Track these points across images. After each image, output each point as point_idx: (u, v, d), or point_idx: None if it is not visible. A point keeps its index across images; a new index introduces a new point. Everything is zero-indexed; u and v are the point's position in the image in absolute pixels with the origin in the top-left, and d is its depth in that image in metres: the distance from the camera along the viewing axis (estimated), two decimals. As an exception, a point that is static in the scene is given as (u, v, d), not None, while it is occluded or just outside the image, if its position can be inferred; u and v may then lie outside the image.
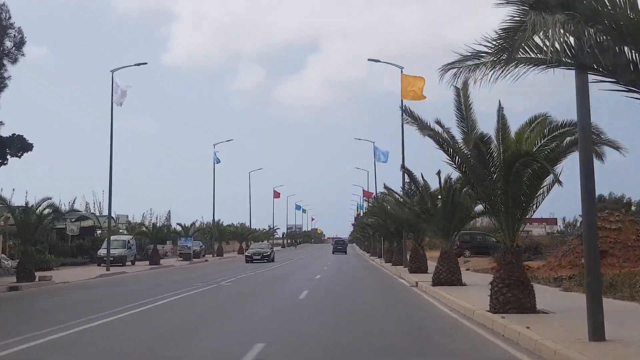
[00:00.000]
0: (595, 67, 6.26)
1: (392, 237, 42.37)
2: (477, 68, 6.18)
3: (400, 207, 29.24)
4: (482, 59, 6.17)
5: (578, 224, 47.44)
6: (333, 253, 79.80)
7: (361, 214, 78.08)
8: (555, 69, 6.33)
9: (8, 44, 24.59)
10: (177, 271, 37.04)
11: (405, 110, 13.33)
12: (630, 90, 6.26)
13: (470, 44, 6.14)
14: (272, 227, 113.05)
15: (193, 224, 57.56)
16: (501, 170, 12.25)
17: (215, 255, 65.30)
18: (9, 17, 24.43)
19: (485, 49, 6.16)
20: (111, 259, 38.39)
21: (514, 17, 6.00)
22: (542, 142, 12.51)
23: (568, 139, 11.74)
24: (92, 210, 61.51)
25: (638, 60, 6.08)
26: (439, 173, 21.03)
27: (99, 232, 50.36)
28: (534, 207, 12.77)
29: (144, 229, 49.79)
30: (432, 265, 29.78)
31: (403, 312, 14.85)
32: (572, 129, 11.81)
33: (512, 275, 12.52)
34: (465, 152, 12.70)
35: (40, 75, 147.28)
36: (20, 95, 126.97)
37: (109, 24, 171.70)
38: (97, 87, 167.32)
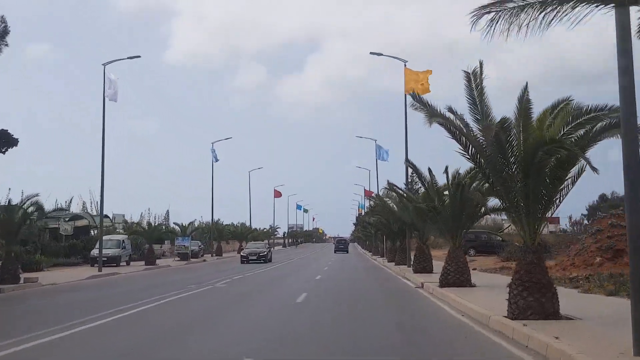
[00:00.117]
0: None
1: (394, 236, 41.12)
2: (521, 11, 4.81)
3: (404, 204, 27.92)
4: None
5: (585, 222, 46.20)
6: (335, 252, 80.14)
7: (362, 213, 77.04)
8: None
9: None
10: (172, 272, 35.73)
11: (413, 96, 12.00)
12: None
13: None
14: (273, 226, 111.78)
15: (191, 223, 56.34)
16: (522, 161, 10.93)
17: (214, 255, 63.98)
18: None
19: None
20: (105, 259, 37.24)
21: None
22: (566, 129, 11.19)
23: (599, 124, 10.41)
24: (89, 210, 60.35)
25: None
26: (446, 169, 19.83)
27: (94, 231, 49.12)
28: (557, 201, 11.45)
29: (140, 228, 48.39)
30: (437, 265, 28.57)
31: (411, 319, 13.48)
32: (601, 114, 10.51)
33: (534, 276, 11.22)
34: (481, 141, 11.37)
35: (40, 74, 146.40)
36: (20, 94, 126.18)
37: (109, 23, 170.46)
38: (97, 86, 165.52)
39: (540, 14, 4.84)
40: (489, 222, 59.76)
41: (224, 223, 78.28)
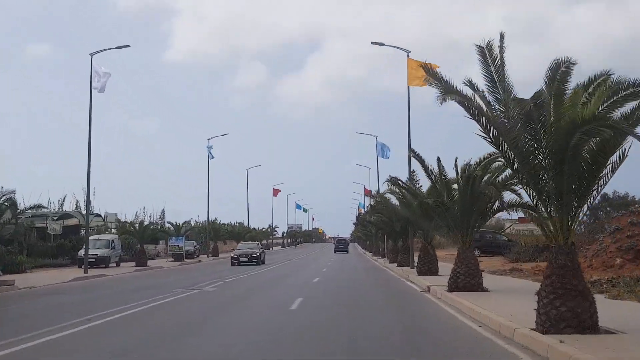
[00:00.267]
0: None
1: (396, 236, 39.36)
2: None
3: (408, 200, 26.13)
4: None
5: (595, 221, 44.40)
6: (335, 252, 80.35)
7: (363, 213, 75.41)
8: None
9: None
10: (162, 274, 33.91)
11: (426, 69, 10.15)
12: None
13: None
14: (271, 226, 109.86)
15: (185, 222, 54.54)
16: (555, 144, 9.15)
17: (210, 255, 62.16)
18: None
19: None
20: (93, 260, 35.47)
21: None
22: (603, 107, 9.40)
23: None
24: (82, 209, 58.48)
25: None
26: (456, 160, 18.06)
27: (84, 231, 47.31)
28: (595, 192, 9.67)
29: (132, 228, 46.48)
30: (442, 266, 26.82)
31: (422, 331, 11.48)
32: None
33: (568, 282, 9.44)
34: (505, 121, 9.58)
35: (40, 74, 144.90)
36: (20, 94, 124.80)
37: (109, 23, 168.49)
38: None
39: None
40: (492, 222, 57.99)
41: (223, 223, 76.64)
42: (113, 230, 50.44)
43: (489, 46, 10.42)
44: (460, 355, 9.13)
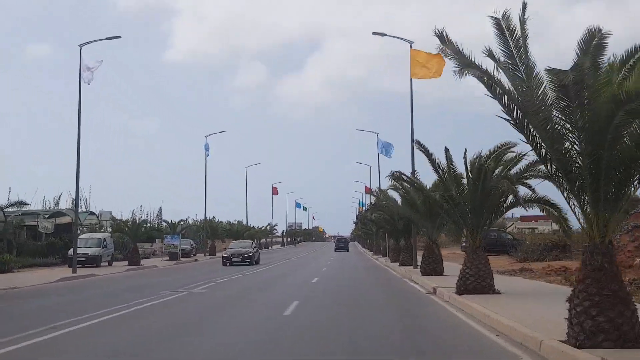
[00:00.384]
0: None
1: (398, 234, 38.04)
2: None
3: (411, 197, 24.80)
4: None
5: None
6: (335, 251, 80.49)
7: (363, 211, 74.19)
8: None
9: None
10: (155, 273, 32.57)
11: (441, 38, 8.72)
12: None
13: None
14: (271, 224, 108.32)
15: (181, 220, 53.17)
16: (591, 126, 7.80)
17: (207, 254, 60.78)
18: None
19: None
20: (83, 259, 34.22)
21: None
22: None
23: None
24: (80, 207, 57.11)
25: None
26: (465, 152, 16.71)
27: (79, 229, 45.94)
28: (636, 183, 8.32)
29: (126, 226, 45.08)
30: (447, 266, 25.54)
31: (431, 342, 10.11)
32: None
33: (605, 287, 8.12)
34: (533, 98, 8.21)
35: (40, 74, 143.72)
36: (20, 94, 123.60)
37: (109, 23, 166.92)
38: (97, 84, 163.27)
39: None
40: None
41: (222, 221, 75.25)
42: (108, 229, 49.09)
43: (506, 17, 9.03)
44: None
